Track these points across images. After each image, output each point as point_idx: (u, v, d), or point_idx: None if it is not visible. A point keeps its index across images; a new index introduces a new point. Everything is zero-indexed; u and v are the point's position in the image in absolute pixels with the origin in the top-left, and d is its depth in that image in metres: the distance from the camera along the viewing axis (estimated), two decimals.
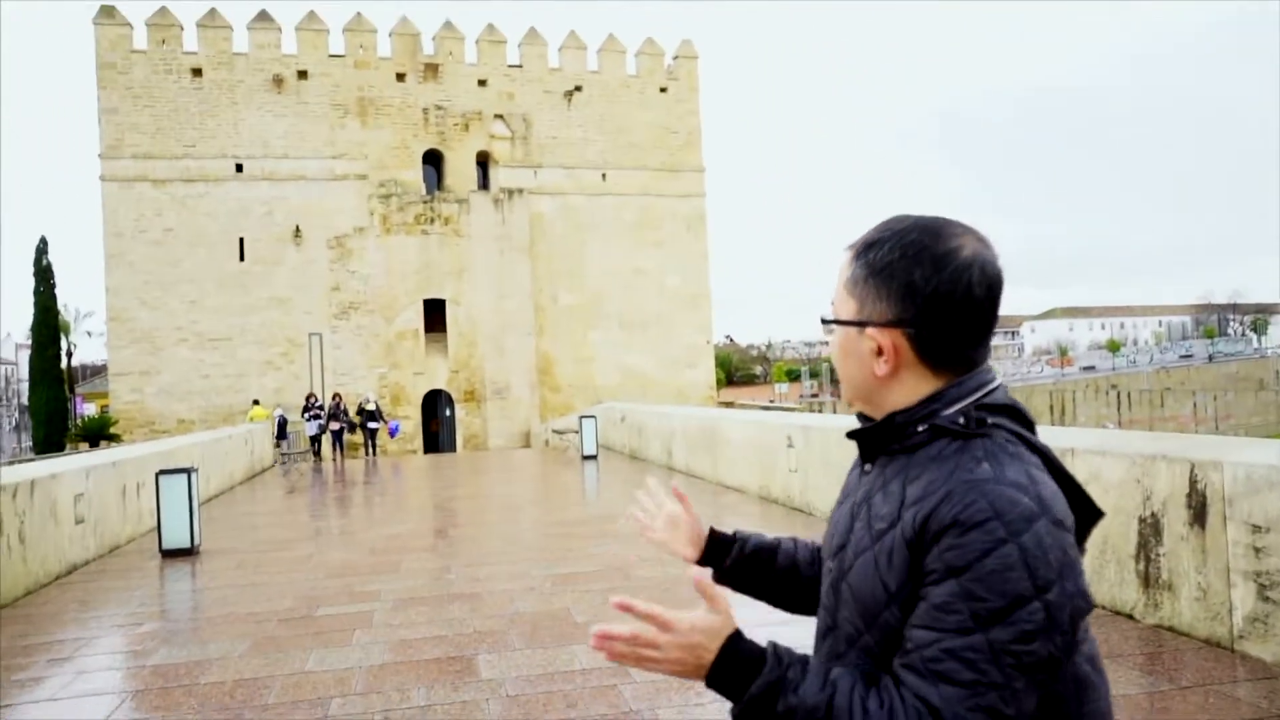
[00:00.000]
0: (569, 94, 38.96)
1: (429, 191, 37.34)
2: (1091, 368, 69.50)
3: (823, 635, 1.32)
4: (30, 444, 42.41)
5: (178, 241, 34.70)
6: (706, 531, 1.61)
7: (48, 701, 4.87)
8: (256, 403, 30.64)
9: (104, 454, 11.86)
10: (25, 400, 50.35)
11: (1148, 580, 5.43)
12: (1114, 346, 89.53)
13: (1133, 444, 5.68)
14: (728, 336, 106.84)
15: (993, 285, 1.21)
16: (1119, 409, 56.17)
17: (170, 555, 9.26)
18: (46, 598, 7.70)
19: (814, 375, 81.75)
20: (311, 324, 34.55)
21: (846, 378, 1.30)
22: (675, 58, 40.86)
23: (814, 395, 75.29)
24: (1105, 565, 5.71)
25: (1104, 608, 5.64)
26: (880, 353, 1.24)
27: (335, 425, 23.98)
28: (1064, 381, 58.67)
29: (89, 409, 48.47)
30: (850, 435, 1.33)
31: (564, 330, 38.37)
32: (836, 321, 1.29)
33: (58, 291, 39.59)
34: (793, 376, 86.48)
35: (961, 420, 1.21)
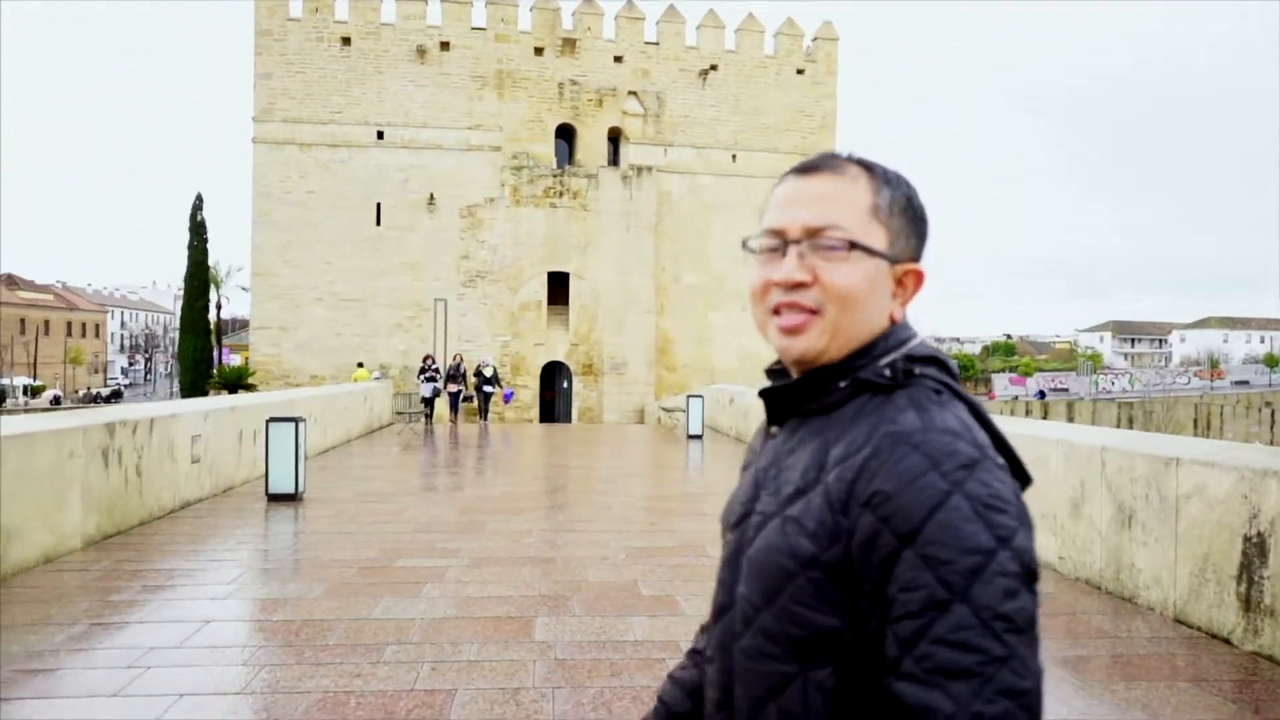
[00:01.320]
0: (704, 73, 38.72)
1: (559, 165, 37.77)
2: (1245, 382, 65.42)
3: (717, 614, 1.18)
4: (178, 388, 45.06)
5: (320, 204, 36.12)
6: None
7: (136, 624, 5.15)
8: (361, 365, 31.65)
9: (223, 399, 12.49)
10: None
11: (1249, 604, 5.05)
12: (1271, 361, 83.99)
13: (1243, 457, 5.29)
14: None
15: None
16: (1272, 428, 52.73)
17: (275, 500, 9.68)
18: (157, 529, 8.16)
19: None
20: (440, 290, 35.50)
21: (859, 320, 1.11)
22: (815, 39, 40.10)
23: None
24: (1204, 584, 5.35)
25: (1199, 629, 5.29)
26: (898, 294, 1.14)
27: (454, 387, 23.63)
28: (1212, 395, 55.42)
29: (234, 359, 51.22)
30: (762, 394, 1.19)
31: (685, 310, 38.33)
32: (882, 253, 1.11)
33: (210, 247, 41.81)
34: None
35: (888, 373, 1.09)
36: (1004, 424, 9.02)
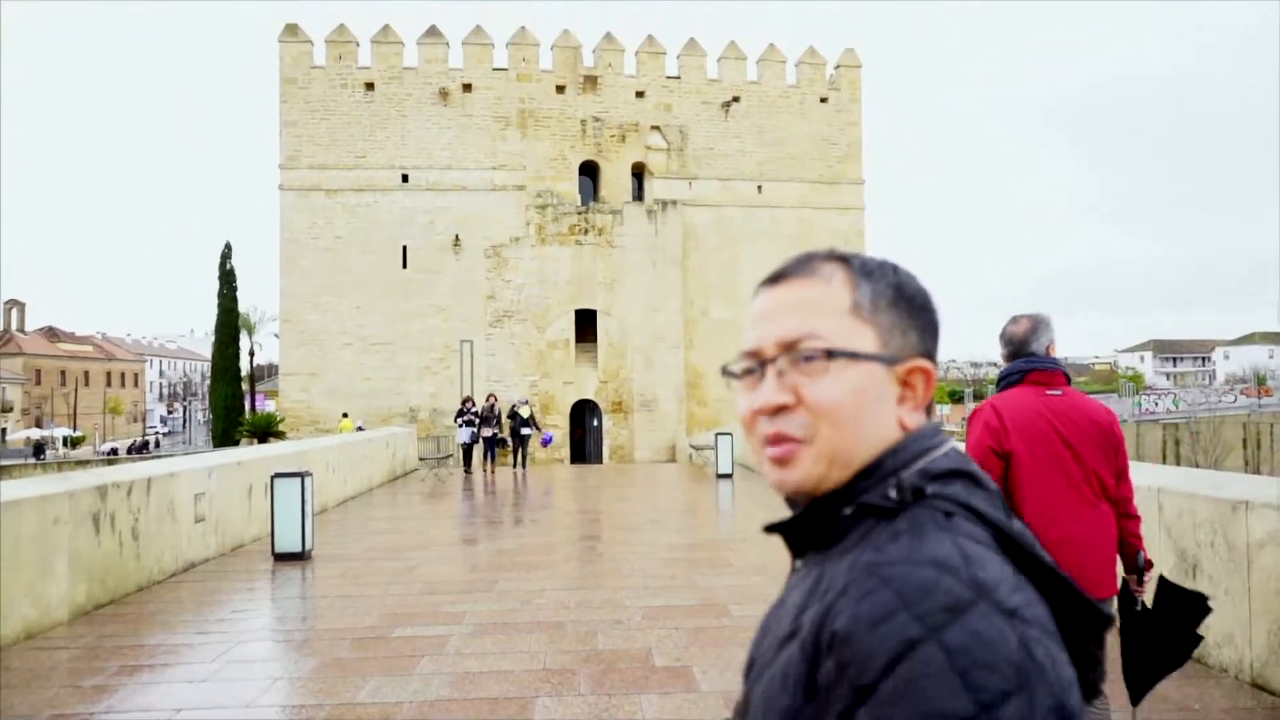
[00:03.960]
0: (726, 105, 38.52)
1: (584, 203, 37.62)
2: None
3: None
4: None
5: (346, 248, 36.17)
6: None
7: (101, 716, 4.73)
8: (345, 415, 31.22)
9: (230, 453, 12.15)
10: None
11: None
12: None
13: None
14: None
15: None
16: None
17: (281, 559, 9.28)
18: (154, 596, 7.78)
19: (979, 397, 78.29)
20: (467, 331, 35.31)
21: (858, 437, 0.94)
22: (837, 67, 39.81)
23: None
24: None
25: None
26: (907, 398, 0.97)
27: (488, 431, 21.80)
28: (1260, 413, 53.85)
29: (269, 405, 51.37)
30: (768, 529, 1.02)
31: (714, 344, 37.85)
32: (870, 356, 0.95)
33: (242, 293, 42.03)
34: (955, 398, 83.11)
35: (893, 493, 0.91)
36: None
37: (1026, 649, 0.78)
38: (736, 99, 38.61)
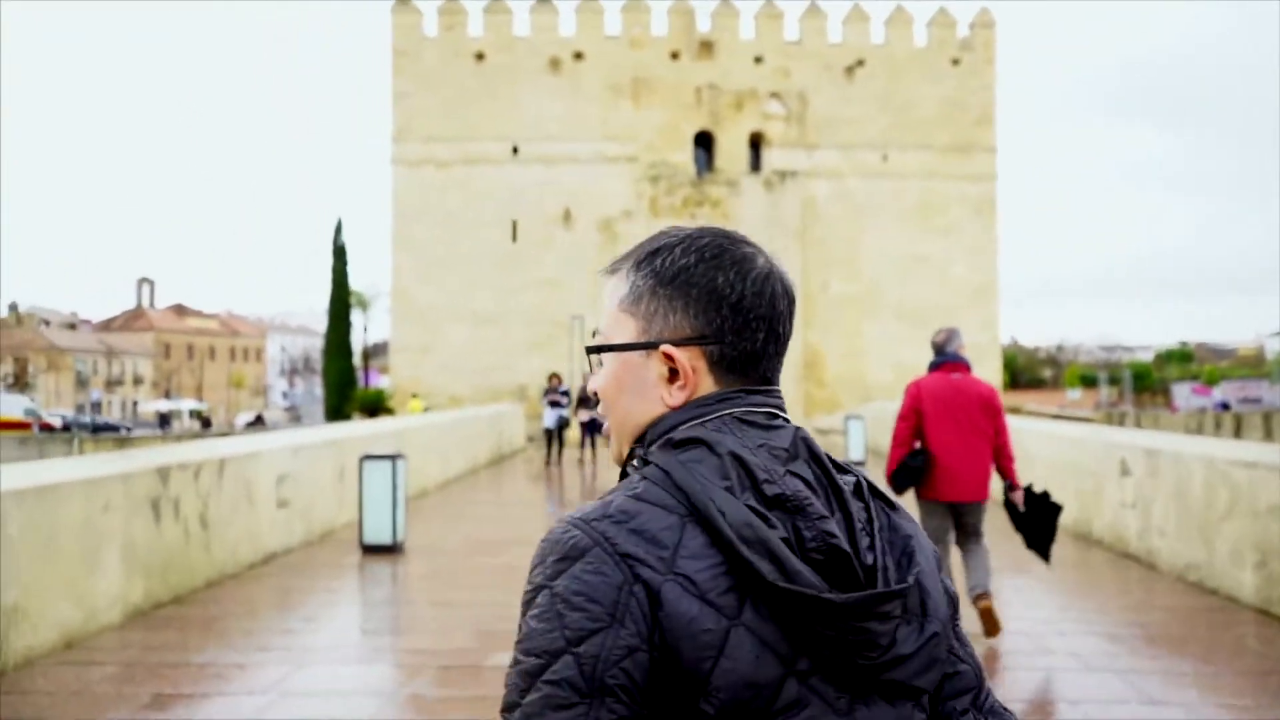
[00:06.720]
0: (850, 69, 36.44)
1: (698, 174, 36.19)
2: None
3: None
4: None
5: (457, 223, 35.60)
6: None
7: None
8: (415, 396, 30.16)
9: (320, 431, 11.24)
10: None
11: None
12: None
13: None
14: (1011, 337, 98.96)
15: (791, 298, 1.09)
16: None
17: (370, 551, 8.24)
18: (222, 593, 6.80)
19: (1114, 382, 73.88)
20: (578, 307, 34.30)
21: (622, 417, 1.07)
22: (970, 26, 37.28)
23: (1113, 404, 67.96)
24: None
25: None
26: (675, 377, 1.03)
27: (585, 414, 17.95)
28: None
29: (383, 381, 51.67)
30: None
31: (834, 321, 36.00)
32: (620, 347, 1.06)
33: (357, 269, 42.14)
34: (1088, 382, 78.75)
35: (635, 461, 1.04)
36: (1218, 447, 6.79)
37: (622, 590, 0.88)
38: (861, 63, 36.47)
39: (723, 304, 1.02)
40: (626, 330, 1.05)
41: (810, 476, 0.98)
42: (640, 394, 1.04)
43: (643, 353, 1.04)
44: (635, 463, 1.02)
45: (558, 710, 0.84)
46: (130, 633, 5.72)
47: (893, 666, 0.93)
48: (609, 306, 1.08)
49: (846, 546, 0.93)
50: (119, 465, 6.30)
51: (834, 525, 0.95)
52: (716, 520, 0.91)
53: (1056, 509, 5.69)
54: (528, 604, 0.90)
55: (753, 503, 0.93)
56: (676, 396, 1.03)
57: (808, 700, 0.91)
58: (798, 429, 1.04)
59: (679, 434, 1.00)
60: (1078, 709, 4.35)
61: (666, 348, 1.02)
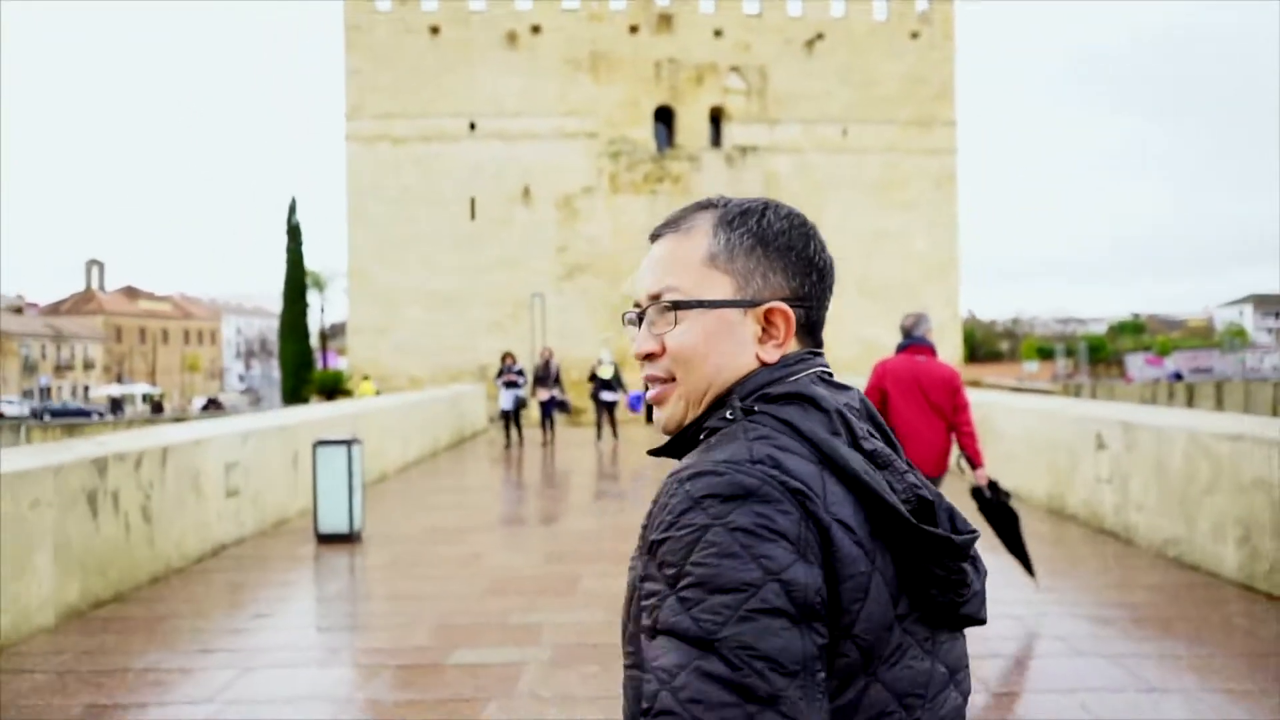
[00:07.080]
0: (810, 43, 36.15)
1: (659, 149, 35.77)
2: None
3: None
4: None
5: (413, 200, 34.92)
6: None
7: None
8: (366, 378, 29.40)
9: (272, 416, 10.80)
10: None
11: None
12: None
13: None
14: (969, 311, 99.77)
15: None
16: None
17: (325, 541, 7.88)
18: (166, 590, 6.42)
19: (1070, 354, 74.72)
20: (539, 285, 33.85)
21: (711, 374, 1.05)
22: (930, 0, 37.12)
23: (1069, 375, 68.71)
24: None
25: None
26: (769, 335, 1.06)
27: (544, 394, 17.15)
28: None
29: (341, 363, 50.82)
30: (651, 453, 1.16)
31: None
32: (726, 303, 1.05)
33: (313, 249, 41.32)
34: (1044, 354, 79.59)
35: (729, 414, 1.02)
36: (1205, 420, 6.68)
37: (808, 527, 0.89)
38: (821, 36, 36.19)
39: (812, 270, 1.08)
40: (719, 287, 1.06)
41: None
42: (735, 350, 1.05)
43: (740, 310, 1.05)
44: (729, 414, 1.01)
45: (774, 636, 0.85)
46: (64, 636, 5.34)
47: (969, 601, 1.00)
48: (688, 262, 1.07)
49: (931, 496, 0.99)
50: (50, 457, 5.88)
51: (917, 477, 1.01)
52: (854, 468, 0.95)
53: (1014, 516, 5.65)
54: (689, 546, 0.88)
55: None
56: (773, 354, 1.06)
57: (907, 645, 0.95)
58: (859, 391, 1.08)
59: (776, 389, 1.02)
60: (1073, 698, 4.14)
61: (781, 305, 1.05)
